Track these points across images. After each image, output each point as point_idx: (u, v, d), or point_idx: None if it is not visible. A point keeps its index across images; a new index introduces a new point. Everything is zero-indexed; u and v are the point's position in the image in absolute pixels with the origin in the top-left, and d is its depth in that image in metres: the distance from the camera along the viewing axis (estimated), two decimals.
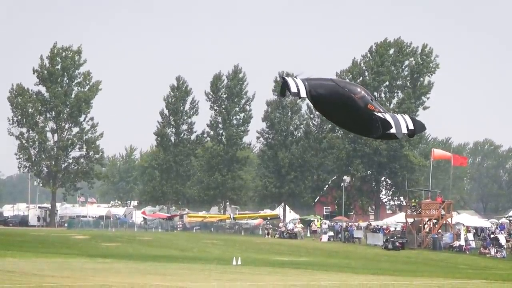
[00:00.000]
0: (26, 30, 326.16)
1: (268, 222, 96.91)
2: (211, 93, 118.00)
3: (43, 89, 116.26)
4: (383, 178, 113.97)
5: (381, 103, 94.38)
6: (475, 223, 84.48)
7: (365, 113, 14.63)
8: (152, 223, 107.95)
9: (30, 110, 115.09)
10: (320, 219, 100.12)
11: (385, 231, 79.79)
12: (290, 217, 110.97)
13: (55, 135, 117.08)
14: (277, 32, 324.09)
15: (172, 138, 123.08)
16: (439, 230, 75.45)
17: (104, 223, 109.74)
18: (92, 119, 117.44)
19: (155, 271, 39.38)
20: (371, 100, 14.84)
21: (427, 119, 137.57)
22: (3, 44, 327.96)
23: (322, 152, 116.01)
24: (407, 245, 73.01)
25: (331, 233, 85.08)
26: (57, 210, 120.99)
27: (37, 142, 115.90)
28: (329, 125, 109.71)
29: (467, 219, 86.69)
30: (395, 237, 75.17)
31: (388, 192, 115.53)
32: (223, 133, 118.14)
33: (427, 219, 76.18)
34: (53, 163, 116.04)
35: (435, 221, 75.97)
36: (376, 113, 14.67)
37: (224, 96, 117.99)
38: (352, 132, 23.79)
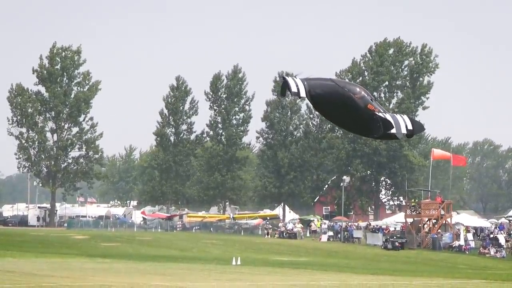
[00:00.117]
0: (25, 30, 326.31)
1: (267, 222, 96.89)
2: (211, 93, 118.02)
3: (42, 89, 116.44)
4: (382, 178, 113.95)
5: (381, 103, 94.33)
6: (475, 223, 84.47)
7: (365, 113, 14.63)
8: (152, 223, 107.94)
9: (29, 110, 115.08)
10: (321, 219, 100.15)
11: (384, 231, 79.79)
12: (290, 217, 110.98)
13: (55, 135, 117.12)
14: (277, 32, 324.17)
15: (172, 138, 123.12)
16: (439, 230, 75.45)
17: (103, 223, 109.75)
18: (91, 119, 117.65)
19: (155, 271, 39.38)
20: (371, 100, 14.84)
21: (427, 119, 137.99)
22: (3, 44, 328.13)
23: (322, 152, 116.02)
24: (407, 245, 73.01)
25: (331, 233, 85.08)
26: (56, 210, 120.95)
27: (36, 142, 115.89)
28: (329, 125, 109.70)
29: (466, 219, 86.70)
30: (395, 237, 75.18)
31: (388, 192, 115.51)
32: (223, 133, 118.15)
33: (426, 219, 76.18)
34: (53, 163, 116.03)
35: (435, 221, 75.97)
36: (377, 113, 14.67)
37: (224, 96, 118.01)
38: (352, 132, 23.77)
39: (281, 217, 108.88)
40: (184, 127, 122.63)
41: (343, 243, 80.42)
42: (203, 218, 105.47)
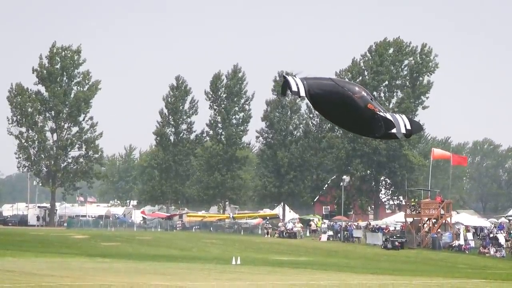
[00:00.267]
0: (25, 29, 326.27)
1: (267, 222, 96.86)
2: (211, 93, 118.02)
3: (42, 89, 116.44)
4: (382, 178, 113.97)
5: (381, 102, 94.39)
6: (475, 223, 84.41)
7: (365, 113, 14.60)
8: (152, 223, 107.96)
9: (29, 109, 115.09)
10: (321, 218, 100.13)
11: (384, 230, 79.75)
12: (290, 216, 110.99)
13: (55, 134, 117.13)
14: (276, 31, 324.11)
15: (172, 138, 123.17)
16: (439, 230, 75.40)
17: (103, 223, 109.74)
18: (91, 118, 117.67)
19: (155, 271, 39.37)
20: (371, 99, 14.81)
21: (427, 118, 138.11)
22: (3, 43, 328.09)
23: (322, 151, 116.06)
24: (407, 244, 72.98)
25: (331, 233, 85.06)
26: (56, 210, 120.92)
27: (36, 142, 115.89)
28: (329, 125, 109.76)
29: (466, 218, 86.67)
30: (395, 237, 75.15)
31: (388, 191, 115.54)
32: (223, 133, 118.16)
33: (426, 219, 76.15)
34: (53, 162, 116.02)
35: (435, 220, 75.93)
36: (378, 113, 14.65)
37: (224, 95, 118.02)
38: (352, 132, 23.75)
39: (281, 217, 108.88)
40: (184, 126, 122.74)
41: (343, 243, 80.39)
42: (203, 218, 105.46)
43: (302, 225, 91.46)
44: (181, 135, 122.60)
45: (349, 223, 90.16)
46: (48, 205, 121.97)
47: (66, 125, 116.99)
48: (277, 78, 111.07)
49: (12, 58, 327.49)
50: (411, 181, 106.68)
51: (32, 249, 59.59)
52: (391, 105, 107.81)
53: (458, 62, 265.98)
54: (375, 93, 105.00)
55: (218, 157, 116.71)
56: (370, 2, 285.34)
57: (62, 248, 64.32)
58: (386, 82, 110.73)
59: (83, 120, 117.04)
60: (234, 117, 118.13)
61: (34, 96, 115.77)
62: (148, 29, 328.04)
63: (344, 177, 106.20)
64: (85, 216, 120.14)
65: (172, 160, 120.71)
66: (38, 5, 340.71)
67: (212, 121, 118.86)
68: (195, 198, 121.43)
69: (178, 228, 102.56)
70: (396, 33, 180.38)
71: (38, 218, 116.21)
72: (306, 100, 14.78)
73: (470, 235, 73.65)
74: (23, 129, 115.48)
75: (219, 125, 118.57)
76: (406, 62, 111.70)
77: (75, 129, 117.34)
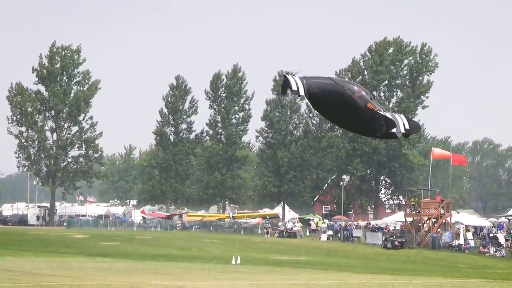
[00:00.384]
0: (25, 29, 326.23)
1: (267, 221, 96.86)
2: (211, 92, 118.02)
3: (42, 88, 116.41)
4: (382, 177, 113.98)
5: (380, 102, 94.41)
6: (474, 222, 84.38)
7: (365, 112, 14.59)
8: (151, 222, 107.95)
9: (29, 109, 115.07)
10: (321, 218, 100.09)
11: (384, 230, 79.73)
12: (289, 216, 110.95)
13: (54, 134, 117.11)
14: (276, 31, 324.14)
15: (171, 137, 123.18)
16: (438, 229, 75.39)
17: (103, 222, 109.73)
18: (91, 118, 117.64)
19: (154, 270, 39.37)
20: (370, 99, 14.80)
21: (426, 118, 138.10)
22: (3, 43, 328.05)
23: (322, 151, 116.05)
24: (406, 244, 72.96)
25: (330, 232, 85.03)
26: (56, 209, 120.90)
27: (36, 141, 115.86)
28: (328, 124, 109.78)
29: (466, 218, 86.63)
30: (394, 236, 75.13)
31: (388, 191, 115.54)
32: (223, 132, 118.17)
33: (426, 218, 76.14)
34: (53, 162, 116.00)
35: (434, 220, 75.90)
36: (379, 112, 14.65)
37: (224, 95, 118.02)
38: (352, 132, 23.76)
39: (281, 216, 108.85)
40: (183, 126, 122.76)
41: (342, 242, 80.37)
42: (202, 217, 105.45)
43: (302, 225, 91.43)
44: (181, 134, 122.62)
45: (349, 223, 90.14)
46: (48, 204, 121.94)
47: (66, 125, 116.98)
48: (277, 78, 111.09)
49: (12, 58, 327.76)
50: (411, 181, 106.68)
51: (32, 249, 59.59)
52: (391, 105, 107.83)
53: (458, 62, 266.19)
54: (375, 92, 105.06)
55: (218, 156, 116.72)
56: (370, 2, 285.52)
57: (62, 247, 64.32)
58: (386, 82, 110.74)
59: (83, 119, 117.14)
60: (234, 116, 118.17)
61: (34, 95, 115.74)
62: (148, 28, 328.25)
63: (344, 176, 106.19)
64: (85, 215, 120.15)
65: (172, 160, 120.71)
66: (38, 5, 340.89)
67: (212, 121, 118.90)
68: (195, 198, 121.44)
69: (178, 228, 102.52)
70: (396, 33, 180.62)
71: (38, 217, 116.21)
72: (306, 100, 14.78)
73: (470, 235, 73.62)
74: (23, 129, 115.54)
75: (219, 124, 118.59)
76: (406, 61, 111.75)
77: (75, 129, 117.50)
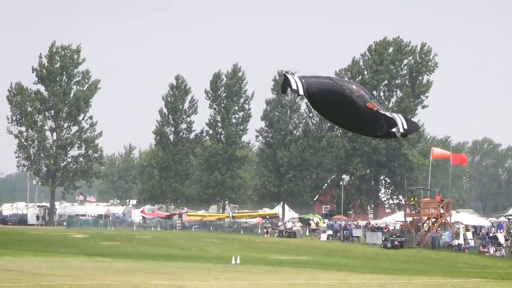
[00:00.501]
0: (25, 29, 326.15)
1: (267, 221, 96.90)
2: (211, 92, 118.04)
3: (42, 88, 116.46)
4: (382, 177, 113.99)
5: (380, 102, 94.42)
6: (474, 222, 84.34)
7: (365, 112, 14.57)
8: (151, 222, 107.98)
9: (29, 109, 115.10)
10: (321, 218, 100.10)
11: (384, 230, 79.72)
12: (289, 216, 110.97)
13: (54, 134, 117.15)
14: (276, 31, 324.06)
15: (171, 137, 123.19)
16: (438, 229, 75.39)
17: (103, 222, 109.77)
18: (91, 117, 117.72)
19: (154, 270, 39.36)
20: (370, 98, 14.78)
21: (426, 117, 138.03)
22: (3, 43, 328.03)
23: (321, 151, 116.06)
24: (406, 244, 72.96)
25: (330, 232, 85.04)
26: (56, 209, 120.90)
27: (36, 141, 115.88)
28: (328, 124, 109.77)
29: (466, 218, 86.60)
30: (394, 236, 75.11)
31: (387, 191, 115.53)
32: (222, 132, 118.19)
33: (426, 218, 76.12)
34: (52, 162, 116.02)
35: (434, 220, 75.90)
36: (379, 111, 14.63)
37: (223, 95, 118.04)
38: (351, 131, 23.71)
39: (281, 216, 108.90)
40: (183, 126, 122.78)
41: (342, 242, 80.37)
42: (202, 217, 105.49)
43: (301, 225, 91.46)
44: (180, 134, 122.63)
45: (349, 223, 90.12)
46: (47, 204, 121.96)
47: (65, 125, 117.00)
48: (277, 78, 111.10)
49: (12, 58, 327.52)
50: (410, 181, 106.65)
51: (32, 249, 59.57)
52: (390, 105, 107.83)
53: (457, 61, 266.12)
54: (374, 92, 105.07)
55: (218, 156, 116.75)
56: (370, 2, 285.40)
57: (61, 247, 64.31)
58: (386, 82, 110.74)
59: (83, 119, 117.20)
60: (233, 116, 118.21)
61: (33, 95, 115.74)
62: (148, 28, 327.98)
63: (344, 176, 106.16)
64: (84, 215, 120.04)
65: (171, 160, 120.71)
66: (38, 5, 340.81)
67: (211, 121, 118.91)
68: (194, 198, 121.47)
69: (177, 228, 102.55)
70: (395, 33, 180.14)
71: (37, 217, 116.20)
72: (306, 100, 14.77)
73: (469, 235, 73.60)
74: (23, 129, 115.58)
75: (219, 124, 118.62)
76: (405, 61, 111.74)
77: (74, 129, 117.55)
